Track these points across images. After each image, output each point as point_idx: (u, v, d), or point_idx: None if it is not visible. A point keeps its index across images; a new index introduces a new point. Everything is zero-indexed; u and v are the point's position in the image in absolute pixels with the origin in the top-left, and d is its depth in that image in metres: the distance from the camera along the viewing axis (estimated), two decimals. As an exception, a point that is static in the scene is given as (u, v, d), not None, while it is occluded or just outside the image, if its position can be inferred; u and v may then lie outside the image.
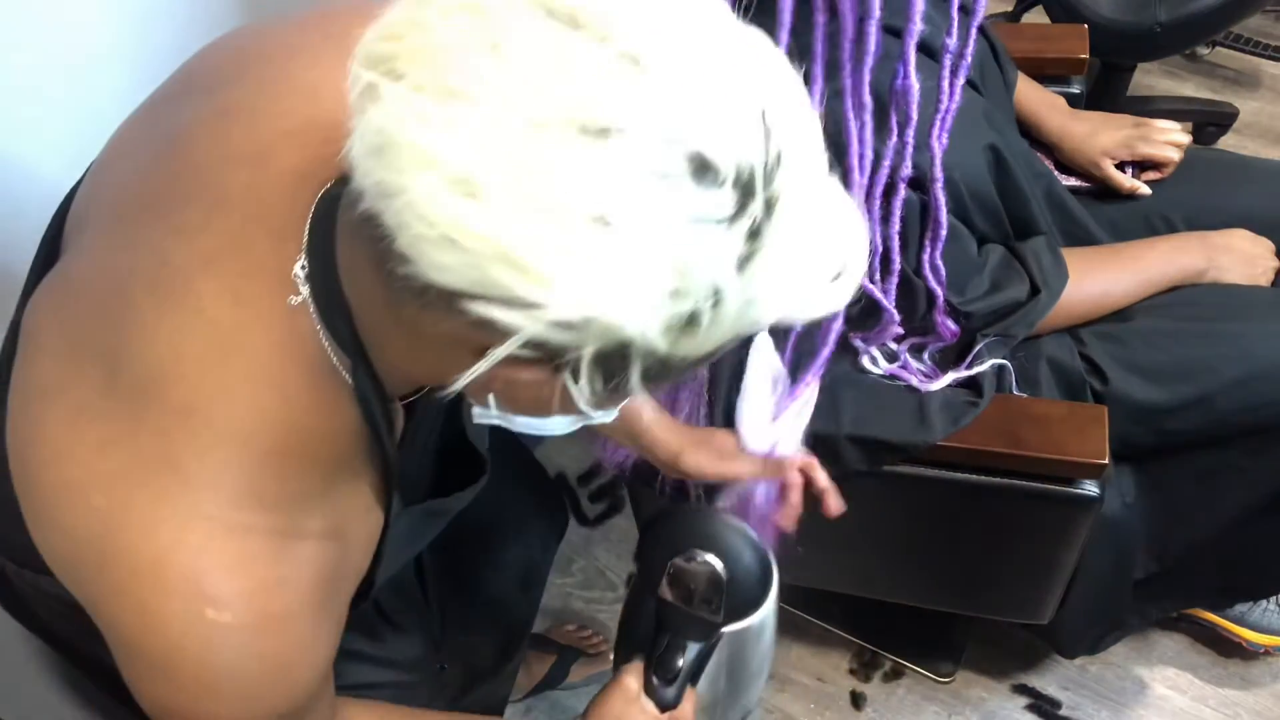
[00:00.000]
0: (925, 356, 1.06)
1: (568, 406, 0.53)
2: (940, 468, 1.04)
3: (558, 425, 0.63)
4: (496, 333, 0.45)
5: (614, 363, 0.47)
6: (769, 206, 0.45)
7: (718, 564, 0.85)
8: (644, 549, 0.89)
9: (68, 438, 0.57)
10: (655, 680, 0.84)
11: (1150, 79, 2.28)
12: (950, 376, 1.04)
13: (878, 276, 0.98)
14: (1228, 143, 2.12)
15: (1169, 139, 1.22)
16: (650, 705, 0.84)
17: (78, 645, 0.83)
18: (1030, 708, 1.47)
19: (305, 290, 0.57)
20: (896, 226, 0.94)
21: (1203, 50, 2.29)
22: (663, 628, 0.85)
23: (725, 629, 0.85)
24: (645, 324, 0.44)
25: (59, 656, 0.92)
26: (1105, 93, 1.86)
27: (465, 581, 1.11)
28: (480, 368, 0.48)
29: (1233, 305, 1.09)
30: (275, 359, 0.57)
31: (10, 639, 1.21)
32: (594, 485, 1.78)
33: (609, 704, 0.84)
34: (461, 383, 0.50)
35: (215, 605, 0.56)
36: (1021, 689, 1.48)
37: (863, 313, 1.02)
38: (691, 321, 0.45)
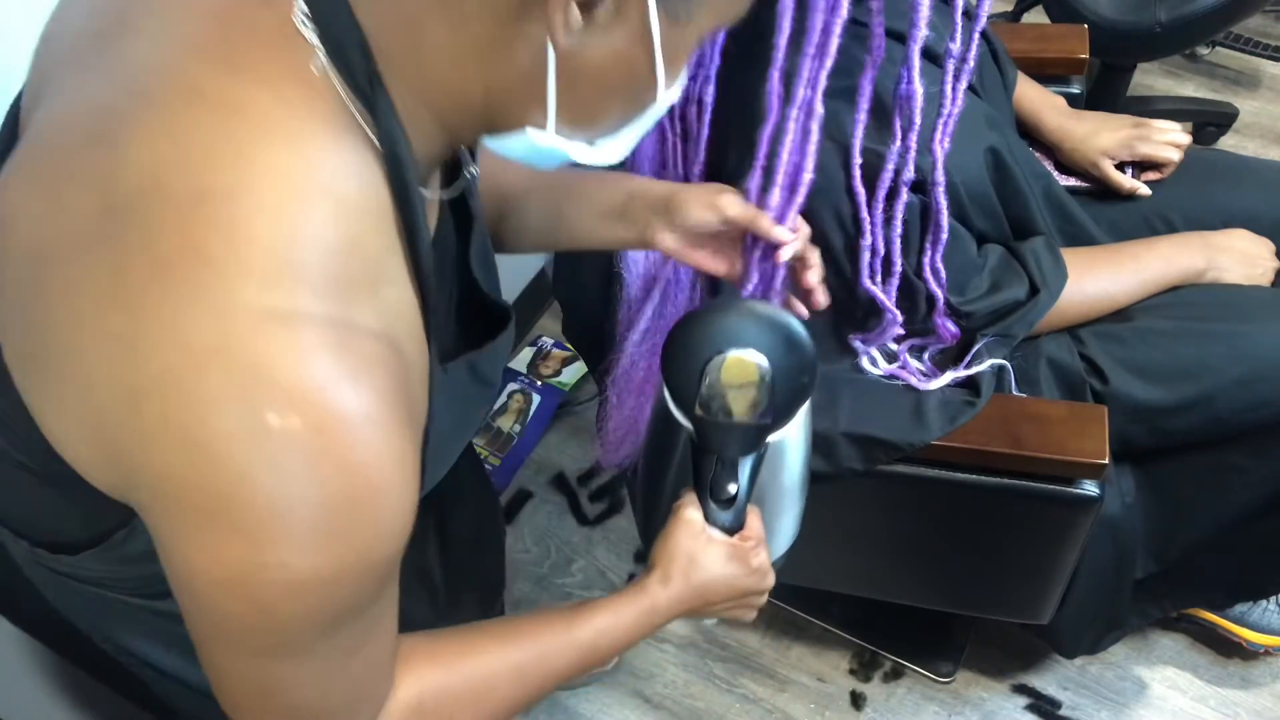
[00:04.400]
0: (925, 357, 1.07)
1: (638, 76, 0.52)
2: (940, 468, 1.04)
3: (616, 146, 0.58)
4: None
5: None
6: None
7: (758, 359, 0.74)
8: (668, 368, 0.77)
9: (79, 283, 0.49)
10: (714, 506, 0.77)
11: (1150, 79, 2.28)
12: (949, 376, 1.04)
13: (879, 278, 0.98)
14: (1228, 143, 2.12)
15: (1168, 139, 1.22)
16: (719, 534, 0.78)
17: (92, 633, 0.78)
18: (1030, 708, 1.47)
19: (311, 35, 0.51)
20: (898, 229, 0.94)
21: (1203, 50, 2.29)
22: (705, 450, 0.77)
23: (775, 433, 0.77)
24: None
25: (64, 663, 0.89)
26: (1105, 93, 1.86)
27: (443, 548, 1.08)
28: None
29: (1233, 305, 1.09)
30: (287, 118, 0.50)
31: (9, 639, 1.21)
32: (594, 485, 1.78)
33: (676, 543, 0.77)
34: (553, 38, 0.48)
35: (277, 408, 0.47)
36: (1021, 689, 1.48)
37: (864, 314, 1.02)
38: None
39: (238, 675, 0.57)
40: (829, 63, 0.79)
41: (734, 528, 0.79)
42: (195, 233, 0.48)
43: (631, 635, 0.76)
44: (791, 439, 0.80)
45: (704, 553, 0.77)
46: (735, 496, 0.76)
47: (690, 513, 0.78)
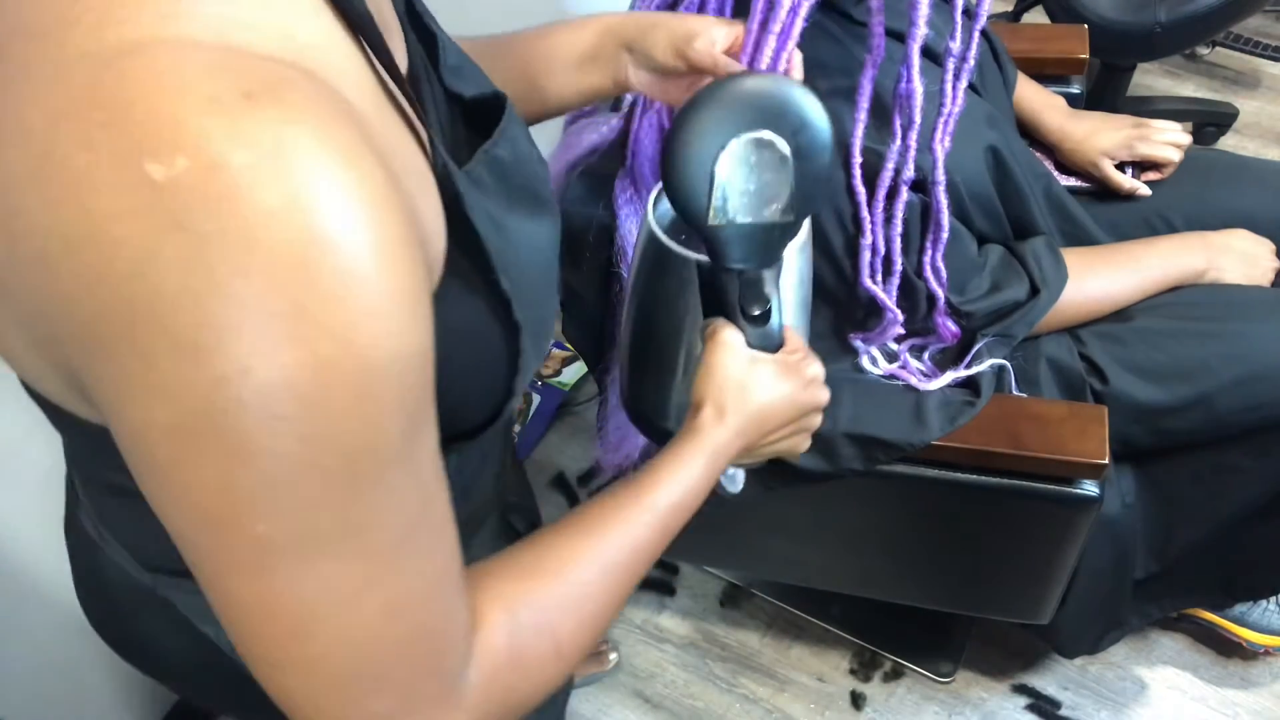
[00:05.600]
0: (925, 357, 1.07)
1: None
2: (940, 468, 1.04)
3: None
4: None
5: None
6: None
7: (778, 143, 0.61)
8: (672, 177, 0.63)
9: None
10: (746, 326, 0.67)
11: (1150, 79, 2.29)
12: (949, 376, 1.04)
13: (879, 277, 0.98)
14: (1228, 143, 2.12)
15: (1168, 139, 1.22)
16: (766, 355, 0.69)
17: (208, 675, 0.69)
18: (1030, 708, 1.47)
19: None
20: (898, 229, 0.94)
21: (1203, 50, 2.29)
22: (723, 268, 0.66)
23: (799, 232, 0.66)
24: None
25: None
26: (1105, 93, 1.86)
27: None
28: None
29: (1233, 305, 1.09)
30: None
31: (13, 639, 1.21)
32: (594, 485, 1.78)
33: (722, 372, 0.68)
34: None
35: (155, 152, 0.35)
36: (1021, 689, 1.48)
37: (864, 313, 1.02)
38: None
39: (256, 607, 0.42)
40: (790, 44, 0.79)
41: (774, 346, 0.70)
42: (22, 12, 0.38)
43: (702, 486, 0.65)
44: (800, 241, 0.71)
45: (752, 376, 0.68)
46: (768, 310, 0.66)
47: (727, 334, 0.68)
